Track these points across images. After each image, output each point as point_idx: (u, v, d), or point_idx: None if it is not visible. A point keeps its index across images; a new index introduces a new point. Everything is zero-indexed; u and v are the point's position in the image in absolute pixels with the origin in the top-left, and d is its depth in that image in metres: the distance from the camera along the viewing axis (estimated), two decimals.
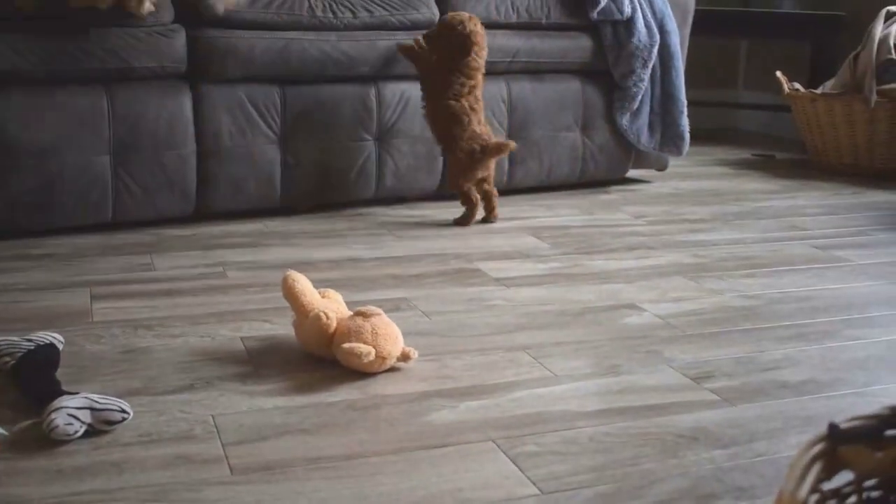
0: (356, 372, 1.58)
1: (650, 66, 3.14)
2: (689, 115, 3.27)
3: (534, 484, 1.23)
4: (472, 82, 2.66)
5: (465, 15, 2.64)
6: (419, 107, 2.78)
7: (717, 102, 4.81)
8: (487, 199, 2.73)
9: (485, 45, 2.68)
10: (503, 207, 2.91)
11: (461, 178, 2.68)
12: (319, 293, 1.71)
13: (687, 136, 3.26)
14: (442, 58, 2.65)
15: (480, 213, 2.74)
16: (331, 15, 2.66)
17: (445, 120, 2.65)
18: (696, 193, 3.28)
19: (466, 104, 2.64)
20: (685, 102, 3.26)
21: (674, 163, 3.75)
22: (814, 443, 0.86)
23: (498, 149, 2.64)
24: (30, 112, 2.33)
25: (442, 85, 2.65)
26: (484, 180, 2.72)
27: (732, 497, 1.21)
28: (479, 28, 2.65)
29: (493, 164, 2.72)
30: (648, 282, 2.17)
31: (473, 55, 2.63)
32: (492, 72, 2.98)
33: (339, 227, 2.62)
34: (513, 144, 2.64)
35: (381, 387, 1.54)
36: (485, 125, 2.69)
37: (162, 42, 2.44)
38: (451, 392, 1.52)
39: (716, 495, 1.21)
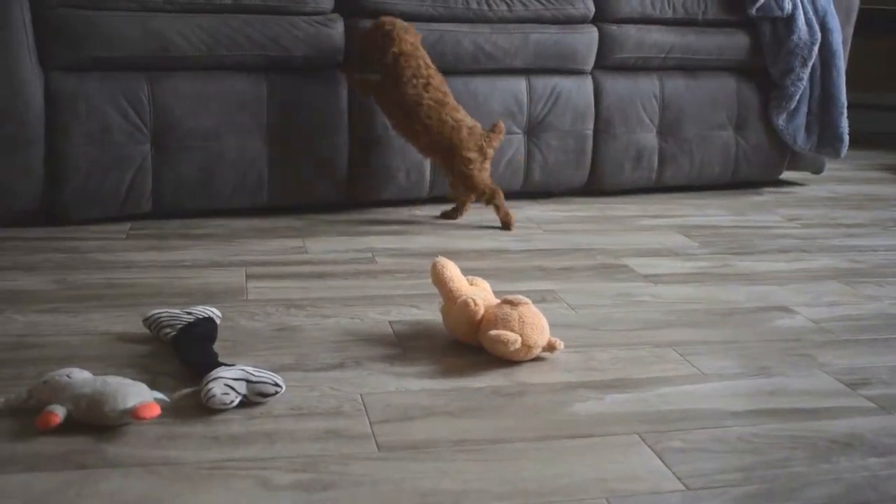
0: (502, 359, 1.59)
1: (810, 64, 3.05)
2: (849, 118, 3.16)
3: (679, 480, 1.21)
4: (423, 80, 2.44)
5: (388, 17, 2.46)
6: (569, 101, 2.78)
7: (881, 105, 4.63)
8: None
9: (415, 45, 2.45)
10: (652, 205, 2.87)
11: (483, 172, 2.49)
12: (468, 280, 1.73)
13: (846, 138, 3.15)
14: (379, 63, 2.46)
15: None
16: (485, 7, 2.68)
17: (434, 126, 2.44)
18: (854, 198, 3.16)
19: (432, 101, 2.43)
20: (845, 103, 3.15)
21: (831, 166, 3.63)
22: None
23: (500, 130, 2.50)
24: (195, 96, 2.42)
25: (400, 93, 2.44)
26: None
27: None
28: (400, 30, 2.43)
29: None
30: (801, 285, 2.11)
31: (394, 49, 2.41)
32: (645, 67, 2.95)
33: (488, 218, 2.63)
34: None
35: (526, 375, 1.54)
36: (460, 109, 2.50)
37: (322, 32, 2.50)
38: (597, 384, 1.51)
39: (870, 503, 1.17)
